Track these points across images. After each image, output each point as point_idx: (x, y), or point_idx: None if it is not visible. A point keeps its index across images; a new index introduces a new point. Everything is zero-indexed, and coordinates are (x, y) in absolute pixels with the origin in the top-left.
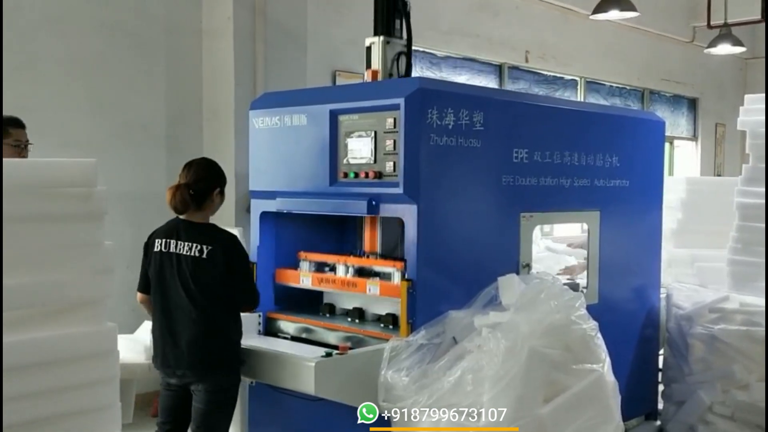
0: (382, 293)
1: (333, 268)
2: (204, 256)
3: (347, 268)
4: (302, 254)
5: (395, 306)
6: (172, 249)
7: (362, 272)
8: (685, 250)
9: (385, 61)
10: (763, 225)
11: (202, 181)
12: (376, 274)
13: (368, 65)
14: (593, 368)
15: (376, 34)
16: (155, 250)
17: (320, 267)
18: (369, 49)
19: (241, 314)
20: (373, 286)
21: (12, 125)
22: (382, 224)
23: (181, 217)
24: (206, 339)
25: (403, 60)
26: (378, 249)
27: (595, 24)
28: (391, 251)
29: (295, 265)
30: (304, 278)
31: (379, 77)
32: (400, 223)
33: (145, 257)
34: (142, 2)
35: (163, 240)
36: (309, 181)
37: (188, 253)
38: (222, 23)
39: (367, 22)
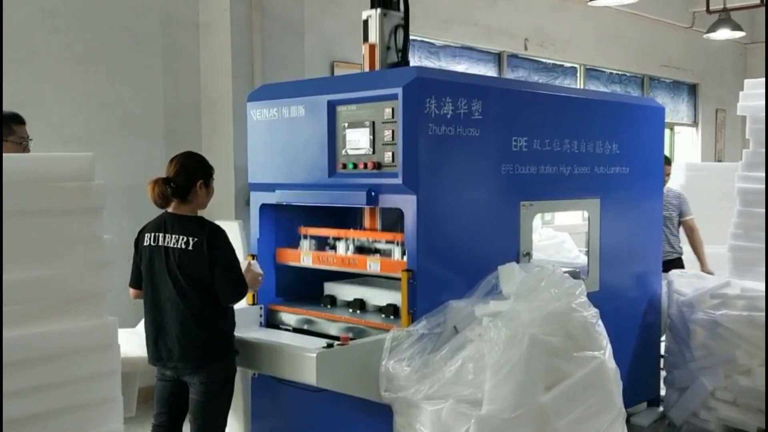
0: (383, 269)
1: (333, 247)
2: (190, 247)
3: (347, 246)
4: (303, 230)
5: (396, 296)
6: (161, 242)
7: (362, 250)
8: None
9: (382, 34)
10: (764, 210)
11: (182, 175)
12: (377, 252)
13: (365, 39)
14: (594, 355)
15: (372, 6)
16: (144, 244)
17: (321, 246)
18: (366, 22)
19: (238, 305)
20: (373, 263)
21: (14, 122)
22: (382, 215)
23: (170, 210)
24: (196, 331)
25: (400, 33)
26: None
27: (594, 10)
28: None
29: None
30: (305, 257)
31: (377, 51)
32: (399, 214)
33: (135, 252)
34: None
35: (152, 234)
36: (308, 172)
37: (176, 246)
38: (218, 15)
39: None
